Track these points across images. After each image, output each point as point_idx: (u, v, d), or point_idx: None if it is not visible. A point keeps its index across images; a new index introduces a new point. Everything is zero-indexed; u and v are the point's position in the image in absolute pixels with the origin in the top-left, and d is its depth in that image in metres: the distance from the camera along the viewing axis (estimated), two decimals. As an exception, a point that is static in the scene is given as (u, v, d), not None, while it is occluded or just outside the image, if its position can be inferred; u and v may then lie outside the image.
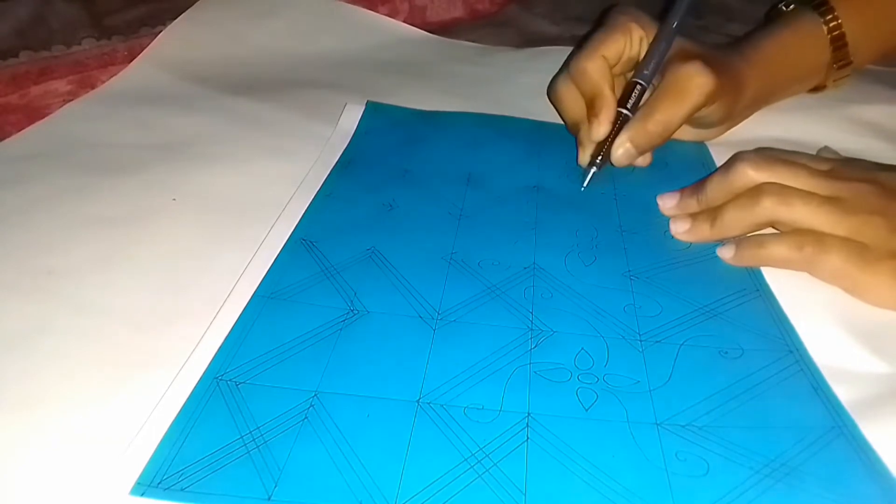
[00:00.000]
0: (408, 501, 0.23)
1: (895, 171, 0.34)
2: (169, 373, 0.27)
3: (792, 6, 0.46)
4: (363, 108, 0.47)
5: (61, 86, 0.49)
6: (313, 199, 0.38)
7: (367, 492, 0.23)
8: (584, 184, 0.39)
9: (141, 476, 0.23)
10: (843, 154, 0.39)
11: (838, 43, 0.44)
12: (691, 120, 0.41)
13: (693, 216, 0.36)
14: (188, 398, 0.26)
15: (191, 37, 0.56)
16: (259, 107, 0.48)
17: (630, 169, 0.42)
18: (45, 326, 0.30)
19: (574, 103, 0.41)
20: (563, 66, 0.43)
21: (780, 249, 0.33)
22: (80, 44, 0.53)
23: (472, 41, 0.60)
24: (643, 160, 0.41)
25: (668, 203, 0.38)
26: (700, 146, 0.44)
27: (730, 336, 0.30)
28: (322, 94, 0.50)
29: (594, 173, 0.39)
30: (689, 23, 0.40)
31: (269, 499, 0.23)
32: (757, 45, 0.43)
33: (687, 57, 0.38)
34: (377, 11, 0.61)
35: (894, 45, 0.47)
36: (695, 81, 0.37)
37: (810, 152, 0.38)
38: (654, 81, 0.40)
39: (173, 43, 0.55)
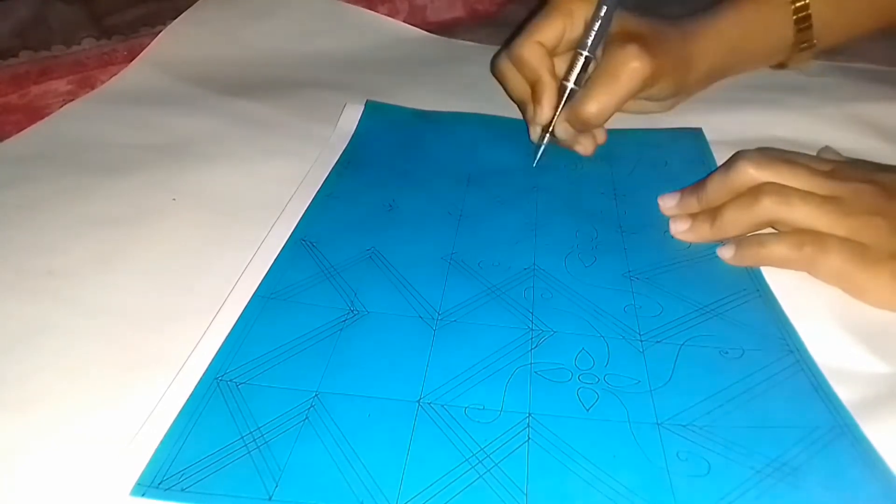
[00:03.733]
0: (409, 501, 0.23)
1: (895, 172, 0.34)
2: (169, 373, 0.27)
3: None
4: (363, 107, 0.47)
5: (61, 86, 0.49)
6: (313, 200, 0.38)
7: (368, 492, 0.23)
8: (535, 160, 0.41)
9: (141, 476, 0.23)
10: (844, 154, 0.39)
11: (803, 24, 0.43)
12: (641, 96, 0.41)
13: (693, 216, 0.36)
14: (188, 398, 0.26)
15: (191, 37, 0.56)
16: (259, 107, 0.48)
17: (629, 169, 0.42)
18: (45, 326, 0.30)
19: (517, 83, 0.42)
20: (503, 46, 0.44)
21: (780, 249, 0.33)
22: (80, 44, 0.53)
23: (472, 41, 0.60)
24: (583, 149, 0.42)
25: (668, 203, 0.38)
26: (700, 146, 0.44)
27: (730, 336, 0.30)
28: (322, 94, 0.50)
29: (544, 148, 0.40)
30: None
31: (269, 499, 0.23)
32: (718, 17, 0.43)
33: (627, 37, 0.38)
34: (377, 11, 0.61)
35: (860, 31, 0.47)
36: (630, 66, 0.37)
37: (811, 152, 0.38)
38: (599, 52, 0.40)
39: (173, 43, 0.55)
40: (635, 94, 0.39)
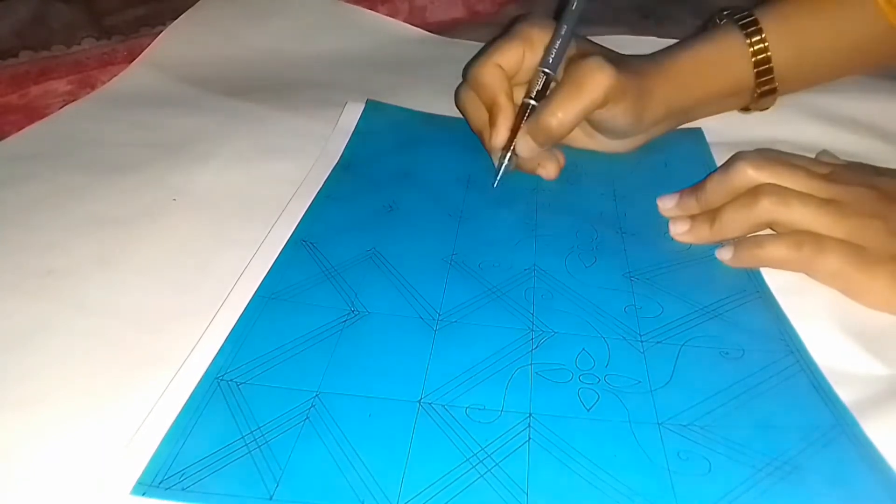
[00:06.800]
0: (409, 501, 0.23)
1: (894, 175, 0.34)
2: (169, 372, 0.27)
3: (724, 21, 0.44)
4: (363, 106, 0.47)
5: (61, 86, 0.49)
6: (313, 200, 0.38)
7: (369, 491, 0.23)
8: (496, 182, 0.40)
9: (142, 476, 0.23)
10: (843, 154, 0.39)
11: (762, 67, 0.42)
12: (599, 126, 0.40)
13: (692, 217, 0.36)
14: (189, 398, 0.26)
15: (191, 37, 0.56)
16: (259, 107, 0.48)
17: (629, 170, 0.42)
18: (45, 326, 0.30)
19: (476, 111, 0.41)
20: (462, 74, 0.42)
21: (778, 250, 0.33)
22: (80, 44, 0.53)
23: (472, 41, 0.60)
24: (546, 173, 0.40)
25: (667, 204, 0.38)
26: (699, 146, 0.44)
27: (730, 337, 0.30)
28: (322, 94, 0.50)
29: (504, 172, 0.39)
30: (589, 10, 0.39)
31: (270, 498, 0.23)
32: (676, 56, 0.42)
33: (589, 55, 0.38)
34: (377, 11, 0.61)
35: (823, 78, 0.46)
36: (593, 75, 0.36)
37: (809, 154, 0.38)
38: (560, 71, 0.39)
39: (173, 43, 0.55)
40: (597, 107, 0.37)
